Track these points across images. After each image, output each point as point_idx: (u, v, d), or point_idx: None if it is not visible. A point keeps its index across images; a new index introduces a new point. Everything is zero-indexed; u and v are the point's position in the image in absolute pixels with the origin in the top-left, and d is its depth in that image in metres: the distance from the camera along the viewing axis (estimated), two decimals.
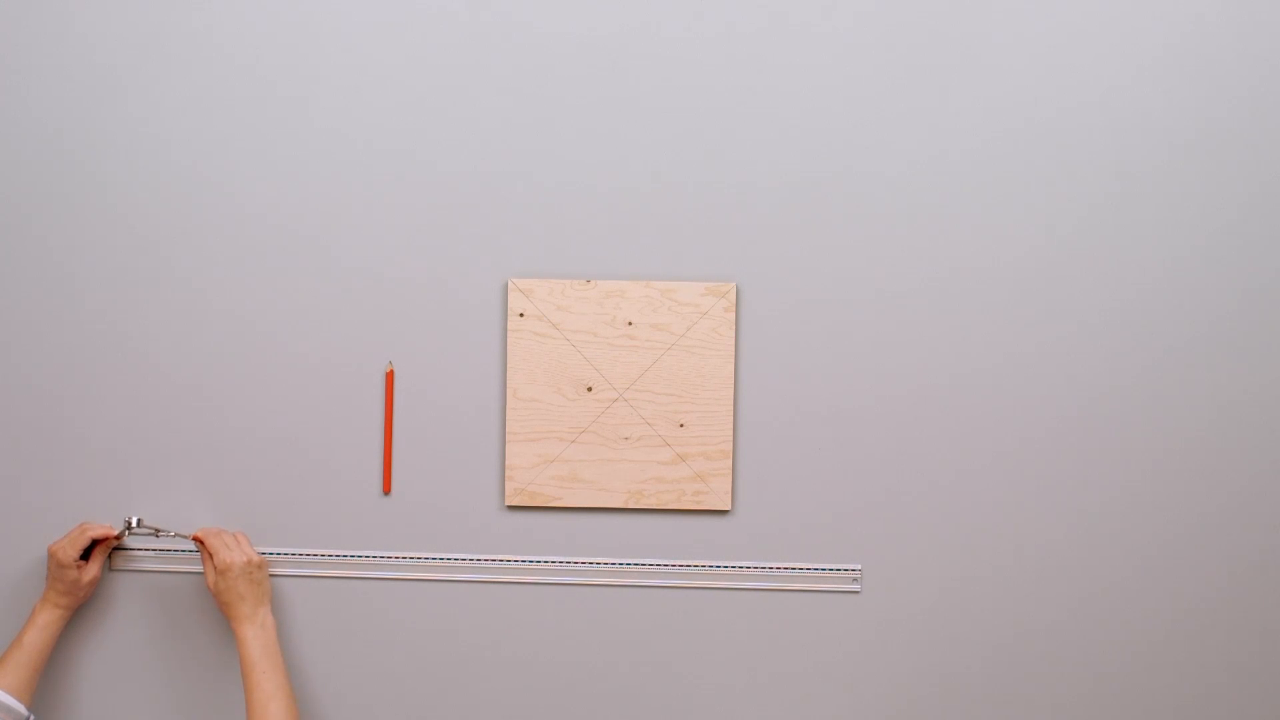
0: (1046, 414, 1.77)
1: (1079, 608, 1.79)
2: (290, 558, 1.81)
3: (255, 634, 1.70)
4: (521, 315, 1.78)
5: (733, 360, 1.77)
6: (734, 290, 1.77)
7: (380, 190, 1.78)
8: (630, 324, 1.78)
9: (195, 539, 1.76)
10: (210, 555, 1.74)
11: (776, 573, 1.80)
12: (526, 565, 1.80)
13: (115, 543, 1.77)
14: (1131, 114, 1.75)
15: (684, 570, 1.80)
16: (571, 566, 1.81)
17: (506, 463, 1.79)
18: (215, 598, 1.73)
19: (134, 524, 1.76)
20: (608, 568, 1.81)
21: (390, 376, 1.79)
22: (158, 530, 1.77)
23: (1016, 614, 1.80)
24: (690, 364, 1.78)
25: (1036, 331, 1.77)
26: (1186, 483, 1.78)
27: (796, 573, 1.80)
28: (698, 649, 1.80)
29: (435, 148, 1.77)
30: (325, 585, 1.81)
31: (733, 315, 1.77)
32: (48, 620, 1.74)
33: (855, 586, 1.80)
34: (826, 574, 1.80)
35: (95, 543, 1.76)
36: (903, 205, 1.76)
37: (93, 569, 1.76)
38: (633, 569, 1.80)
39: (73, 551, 1.73)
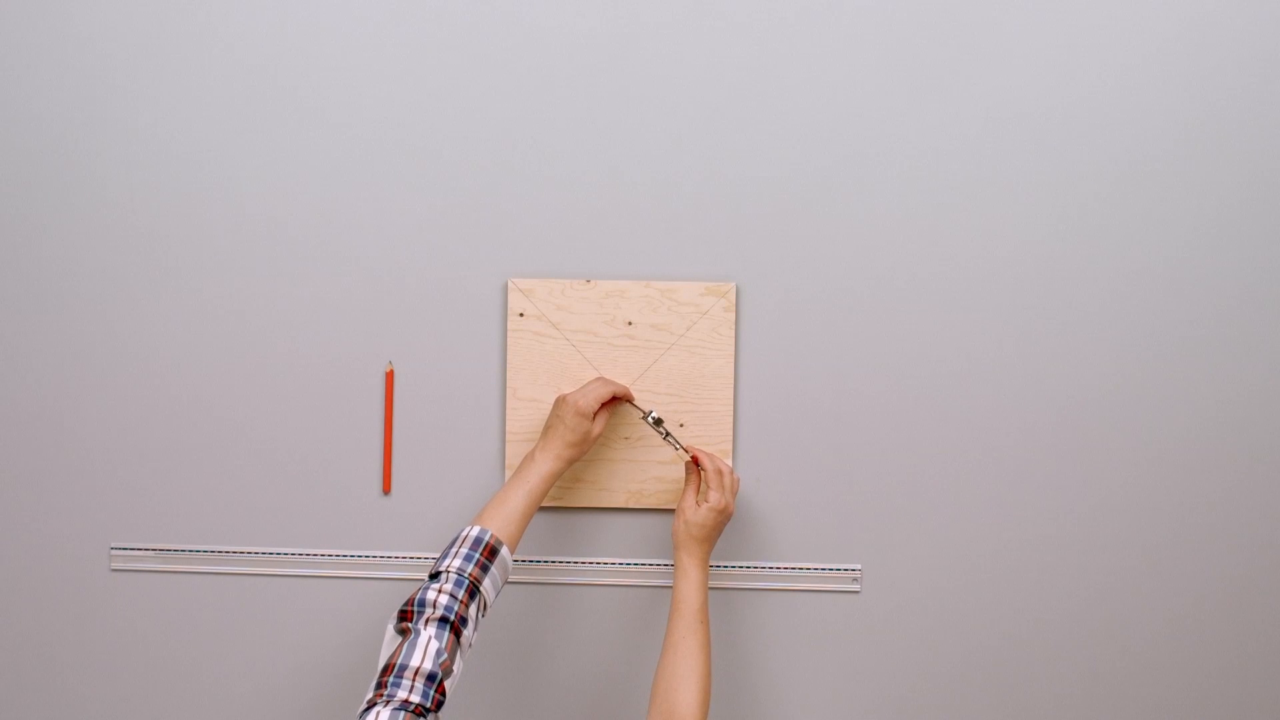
0: (1047, 413, 1.77)
1: (1079, 607, 1.79)
2: (290, 558, 1.81)
3: (705, 581, 1.64)
4: (521, 315, 1.78)
5: (733, 360, 1.77)
6: (734, 290, 1.77)
7: (380, 190, 1.78)
8: (630, 324, 1.78)
9: (694, 460, 1.72)
10: (699, 485, 1.70)
11: (776, 573, 1.80)
12: (525, 565, 1.80)
13: (624, 404, 1.75)
14: (1130, 112, 1.75)
15: None
16: (571, 566, 1.81)
17: (506, 463, 1.79)
18: (685, 528, 1.67)
19: (651, 416, 1.74)
20: (608, 568, 1.81)
21: (390, 376, 1.79)
22: (664, 430, 1.74)
23: (1017, 614, 1.80)
24: (690, 364, 1.78)
25: (1036, 330, 1.77)
26: (1188, 481, 1.78)
27: (796, 573, 1.80)
28: None
29: (435, 147, 1.77)
30: (325, 585, 1.81)
31: (733, 315, 1.77)
32: (553, 471, 1.66)
33: (855, 586, 1.80)
34: (826, 574, 1.80)
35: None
36: (903, 204, 1.76)
37: (600, 424, 1.71)
38: (633, 569, 1.80)
39: (594, 402, 1.69)
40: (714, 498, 1.68)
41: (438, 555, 1.66)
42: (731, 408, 1.78)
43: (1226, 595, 1.79)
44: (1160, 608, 1.79)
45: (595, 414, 1.70)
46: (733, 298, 1.77)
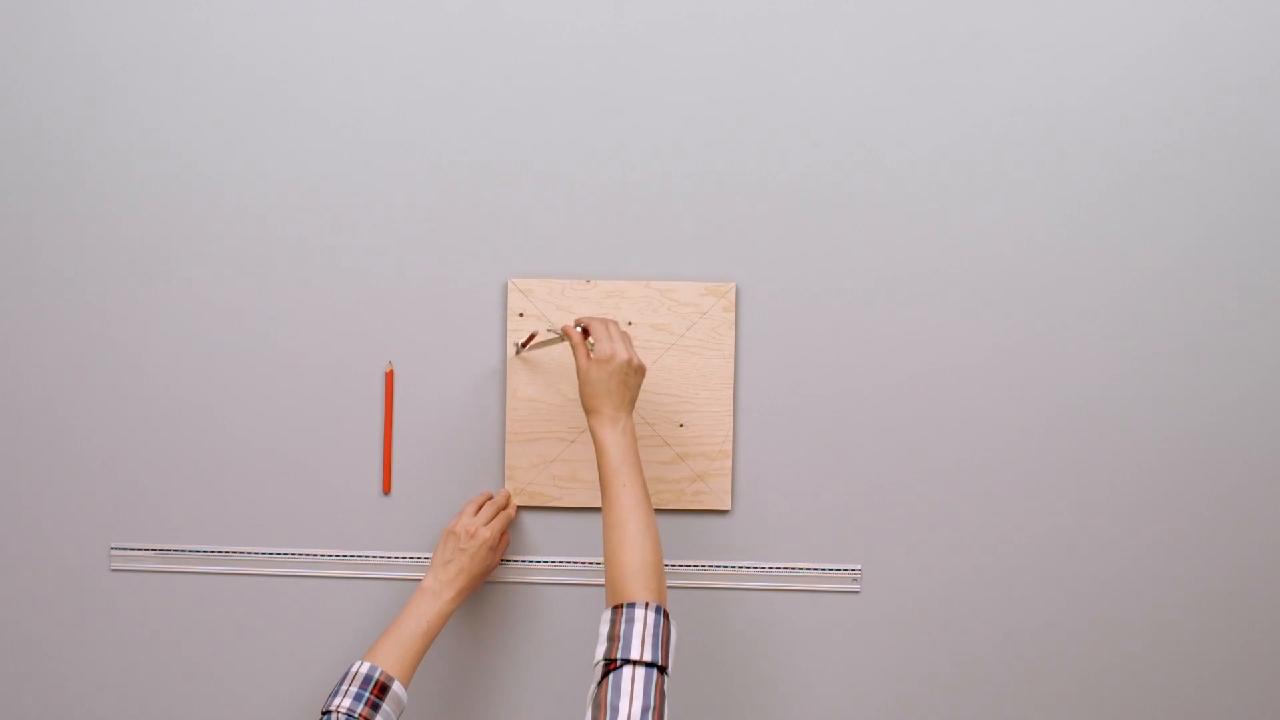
0: (1047, 412, 1.77)
1: (1079, 606, 1.79)
2: (290, 558, 1.81)
3: (616, 439, 1.58)
4: (521, 315, 1.78)
5: (732, 360, 1.77)
6: (734, 290, 1.77)
7: (380, 190, 1.78)
8: (630, 324, 1.78)
9: (567, 330, 1.66)
10: (583, 340, 1.63)
11: (776, 573, 1.80)
12: (526, 565, 1.80)
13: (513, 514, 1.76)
14: (1131, 112, 1.75)
15: (684, 570, 1.80)
16: (571, 566, 1.81)
17: (506, 463, 1.79)
18: (581, 389, 1.61)
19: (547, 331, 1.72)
20: None
21: (390, 376, 1.79)
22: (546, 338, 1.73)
23: (1017, 613, 1.80)
24: (690, 364, 1.78)
25: (1036, 329, 1.77)
26: (1188, 479, 1.78)
27: (796, 573, 1.80)
28: (698, 649, 1.80)
29: (435, 147, 1.77)
30: (325, 585, 1.81)
31: (732, 315, 1.77)
32: (452, 612, 1.67)
33: (855, 586, 1.80)
34: (826, 574, 1.80)
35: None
36: (902, 204, 1.76)
37: (499, 553, 1.74)
38: None
39: (498, 533, 1.70)
40: (600, 349, 1.61)
41: (331, 690, 1.62)
42: (731, 408, 1.78)
43: (1227, 595, 1.79)
44: (1160, 607, 1.79)
45: (498, 544, 1.73)
46: (732, 298, 1.77)
